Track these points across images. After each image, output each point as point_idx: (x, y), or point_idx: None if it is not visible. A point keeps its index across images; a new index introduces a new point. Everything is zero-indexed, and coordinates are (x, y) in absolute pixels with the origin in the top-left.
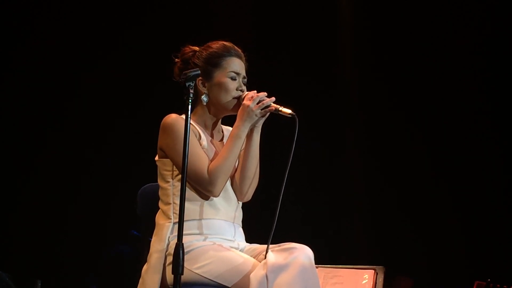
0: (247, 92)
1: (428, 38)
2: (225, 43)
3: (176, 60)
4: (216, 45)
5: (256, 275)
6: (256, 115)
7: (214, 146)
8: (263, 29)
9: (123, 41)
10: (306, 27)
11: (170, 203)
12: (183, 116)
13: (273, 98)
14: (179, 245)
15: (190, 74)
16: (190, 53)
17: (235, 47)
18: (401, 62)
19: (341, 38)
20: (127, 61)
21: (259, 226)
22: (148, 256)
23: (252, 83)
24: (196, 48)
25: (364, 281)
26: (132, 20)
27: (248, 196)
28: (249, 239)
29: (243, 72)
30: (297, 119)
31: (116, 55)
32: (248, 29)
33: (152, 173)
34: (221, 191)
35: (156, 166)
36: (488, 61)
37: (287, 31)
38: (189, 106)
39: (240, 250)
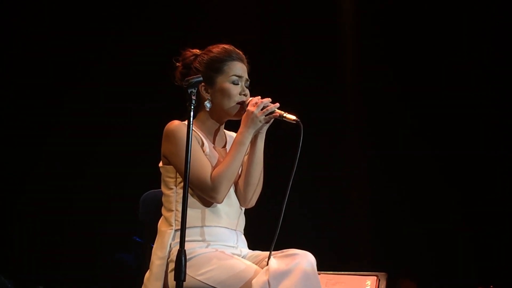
0: (251, 98)
1: (431, 32)
2: (225, 46)
3: (178, 64)
4: (216, 49)
5: (258, 281)
6: (260, 121)
7: (217, 153)
8: (264, 31)
9: (125, 43)
10: (307, 26)
11: (172, 210)
12: (186, 123)
13: (277, 104)
14: (181, 252)
15: (192, 80)
16: (192, 57)
17: (236, 49)
18: (404, 59)
19: (342, 36)
20: (131, 64)
21: (262, 233)
22: (150, 263)
23: (254, 87)
24: (197, 52)
25: None
26: (134, 22)
27: (252, 202)
28: (252, 245)
29: (245, 75)
30: (301, 125)
31: (119, 57)
32: (249, 32)
33: (154, 179)
34: (224, 198)
35: (159, 172)
36: (494, 58)
37: (288, 32)
38: (192, 113)
39: (242, 257)
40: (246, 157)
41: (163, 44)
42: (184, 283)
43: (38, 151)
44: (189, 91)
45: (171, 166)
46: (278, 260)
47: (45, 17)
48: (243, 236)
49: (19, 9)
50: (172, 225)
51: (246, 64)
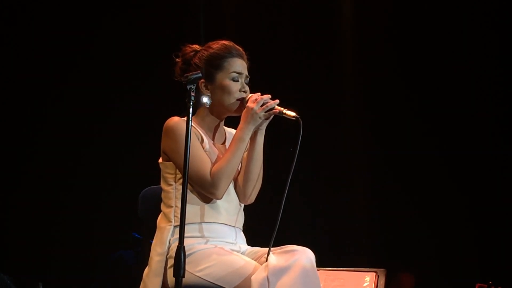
0: (251, 95)
1: (431, 32)
2: (225, 42)
3: (177, 60)
4: (216, 45)
5: (257, 278)
6: (260, 118)
7: (217, 149)
8: (264, 28)
9: (124, 40)
10: (307, 24)
11: (172, 206)
12: (185, 119)
13: (277, 101)
14: (181, 248)
15: (191, 77)
16: (191, 53)
17: (236, 46)
18: (404, 58)
19: (342, 34)
20: (130, 62)
21: (261, 229)
22: (149, 259)
23: (254, 84)
24: (197, 48)
25: (366, 284)
26: (134, 20)
27: (252, 198)
28: (251, 242)
29: (245, 72)
30: (301, 122)
31: (118, 55)
32: (249, 30)
33: (153, 176)
34: (224, 194)
35: (159, 169)
36: (495, 58)
37: (288, 29)
38: (191, 109)
39: (241, 253)
40: (245, 153)
41: (162, 42)
42: (183, 279)
43: (36, 150)
44: (188, 87)
45: (171, 163)
46: (277, 257)
47: (43, 16)
48: (242, 233)
49: (17, 8)
50: (171, 221)
51: (246, 61)
